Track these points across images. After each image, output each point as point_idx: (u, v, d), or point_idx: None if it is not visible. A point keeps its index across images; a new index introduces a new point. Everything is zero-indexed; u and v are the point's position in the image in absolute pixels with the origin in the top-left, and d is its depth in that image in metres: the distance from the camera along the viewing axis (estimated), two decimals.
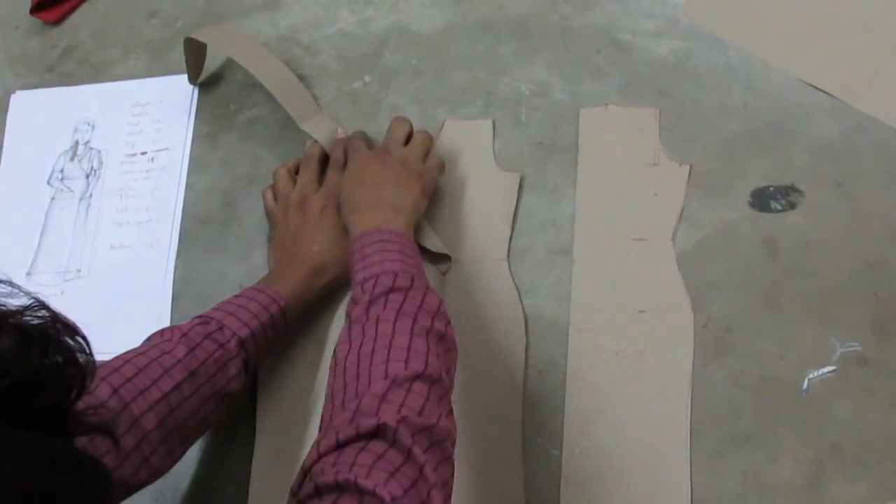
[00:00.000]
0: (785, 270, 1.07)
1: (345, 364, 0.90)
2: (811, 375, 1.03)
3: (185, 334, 0.97)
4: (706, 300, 1.08)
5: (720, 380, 1.04)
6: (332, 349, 1.10)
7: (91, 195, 1.28)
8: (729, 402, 1.03)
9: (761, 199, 1.11)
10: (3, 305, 0.59)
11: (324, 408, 0.90)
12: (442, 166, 1.15)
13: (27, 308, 0.60)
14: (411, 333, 0.90)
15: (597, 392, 1.06)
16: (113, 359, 0.93)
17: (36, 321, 0.59)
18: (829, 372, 1.02)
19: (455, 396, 1.06)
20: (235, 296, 1.05)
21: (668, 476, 1.02)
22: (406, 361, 0.87)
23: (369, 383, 0.86)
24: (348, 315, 0.97)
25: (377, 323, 0.92)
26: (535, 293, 1.12)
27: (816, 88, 1.15)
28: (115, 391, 0.88)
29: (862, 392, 1.01)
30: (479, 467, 1.04)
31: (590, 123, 1.18)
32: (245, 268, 1.19)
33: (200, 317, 1.01)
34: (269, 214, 1.17)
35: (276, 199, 1.17)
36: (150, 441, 0.90)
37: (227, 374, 0.98)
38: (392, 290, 0.94)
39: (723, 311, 1.07)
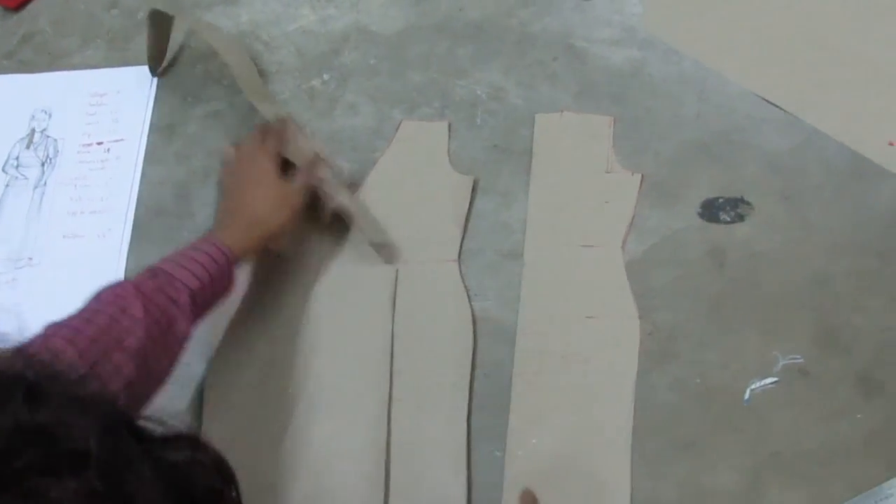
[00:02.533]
0: (731, 281, 1.07)
1: None
2: (753, 386, 1.02)
3: (138, 289, 0.92)
4: (653, 308, 1.07)
5: (663, 387, 1.04)
6: (285, 349, 1.10)
7: (46, 183, 1.26)
8: (671, 410, 1.03)
9: (711, 210, 1.10)
10: (147, 436, 0.56)
11: None
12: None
13: (170, 442, 0.58)
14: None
15: (541, 395, 1.05)
16: (71, 317, 0.88)
17: (180, 457, 0.57)
18: (771, 383, 1.02)
19: (401, 395, 1.05)
20: (184, 248, 1.02)
21: (609, 481, 1.01)
22: None
23: None
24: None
25: None
26: (484, 295, 1.11)
27: (768, 102, 1.15)
28: (80, 354, 0.83)
29: (802, 403, 1.01)
30: (422, 467, 1.03)
31: (545, 129, 1.17)
32: None
33: (150, 269, 0.97)
34: (225, 163, 1.17)
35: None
36: None
37: (179, 327, 0.95)
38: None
39: (669, 319, 1.06)
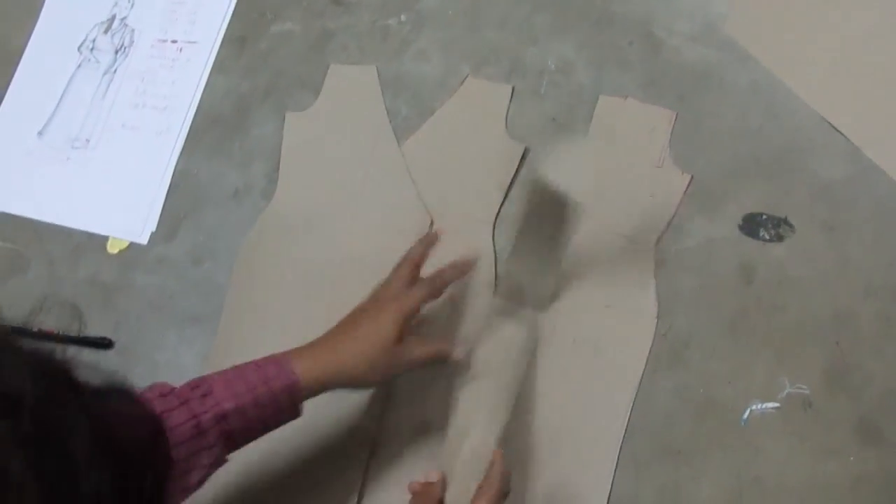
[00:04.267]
0: (756, 299, 1.05)
1: None
2: (754, 407, 1.01)
3: (184, 400, 0.84)
4: (673, 310, 1.06)
5: (666, 390, 1.03)
6: (309, 274, 1.10)
7: (115, 71, 1.28)
8: (668, 414, 1.02)
9: (751, 225, 1.08)
10: (83, 386, 0.58)
11: None
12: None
13: (105, 394, 0.61)
14: None
15: (544, 374, 1.05)
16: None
17: (114, 408, 0.59)
18: (773, 408, 1.01)
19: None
20: (258, 360, 0.91)
21: (592, 471, 1.01)
22: None
23: None
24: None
25: None
26: None
27: (834, 128, 1.11)
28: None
29: (798, 435, 1.00)
30: (415, 427, 1.04)
31: (605, 112, 1.16)
32: (242, 176, 1.19)
33: (198, 379, 0.88)
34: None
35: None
36: None
37: (201, 445, 0.83)
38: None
39: (686, 324, 1.05)
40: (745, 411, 1.01)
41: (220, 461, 0.85)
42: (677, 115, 1.14)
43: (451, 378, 1.06)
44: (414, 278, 0.99)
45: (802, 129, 1.12)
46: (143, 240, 1.18)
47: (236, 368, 0.89)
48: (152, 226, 1.19)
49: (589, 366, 1.05)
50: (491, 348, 1.07)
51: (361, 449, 1.05)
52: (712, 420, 1.02)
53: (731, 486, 0.99)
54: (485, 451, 1.01)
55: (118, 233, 1.19)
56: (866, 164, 1.10)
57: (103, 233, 1.19)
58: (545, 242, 1.07)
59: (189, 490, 0.82)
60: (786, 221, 1.08)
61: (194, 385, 0.86)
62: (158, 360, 1.12)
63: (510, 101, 1.18)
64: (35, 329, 1.14)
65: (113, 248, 1.19)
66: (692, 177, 1.11)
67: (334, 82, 1.21)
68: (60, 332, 1.14)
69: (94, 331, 1.14)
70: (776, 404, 1.01)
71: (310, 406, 0.91)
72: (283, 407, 0.89)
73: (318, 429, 1.06)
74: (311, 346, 0.94)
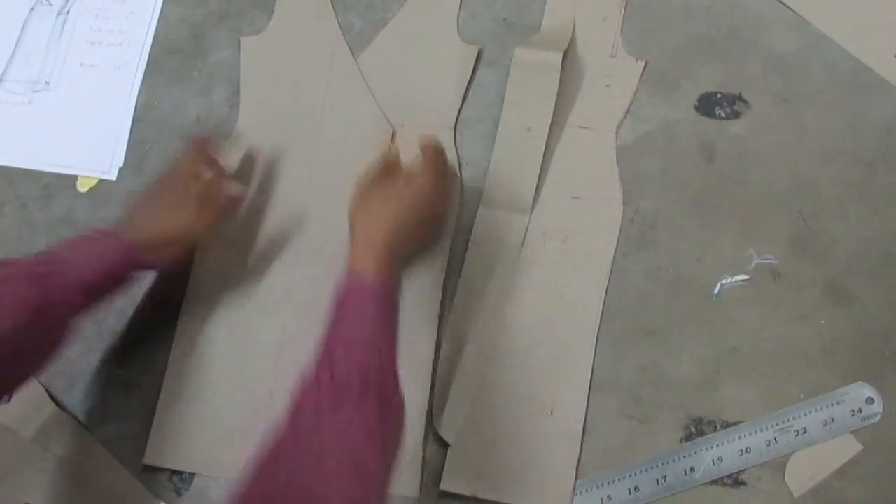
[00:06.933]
0: (718, 176, 1.02)
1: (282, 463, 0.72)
2: (724, 281, 0.98)
3: (30, 270, 0.85)
4: (637, 194, 1.02)
5: (637, 273, 1.00)
6: (274, 189, 1.06)
7: (69, 11, 1.21)
8: (642, 296, 0.99)
9: (707, 105, 1.05)
10: None
11: None
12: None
13: None
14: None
15: (518, 269, 1.01)
16: None
17: None
18: (742, 280, 0.98)
19: None
20: (85, 237, 0.92)
21: (573, 357, 0.98)
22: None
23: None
24: (304, 393, 0.78)
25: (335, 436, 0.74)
26: (475, 165, 1.06)
27: (780, 2, 1.07)
28: None
29: (770, 304, 0.97)
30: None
31: (556, 6, 1.11)
32: (204, 102, 1.13)
33: (44, 254, 0.88)
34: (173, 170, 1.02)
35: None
36: None
37: (63, 317, 0.87)
38: (362, 393, 0.77)
39: (651, 207, 1.02)
40: (716, 286, 0.99)
41: (66, 334, 0.89)
42: (627, 1, 1.09)
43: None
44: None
45: (750, 6, 1.08)
46: (112, 175, 1.13)
47: (78, 244, 0.91)
48: (119, 161, 1.13)
49: (560, 257, 1.01)
50: (481, 256, 1.03)
51: None
52: (685, 297, 0.99)
53: (708, 358, 0.97)
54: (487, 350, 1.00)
55: (87, 171, 1.14)
56: (816, 34, 1.06)
57: (72, 172, 1.14)
58: (524, 135, 1.03)
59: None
60: (740, 98, 1.04)
61: (48, 260, 0.88)
62: (137, 291, 1.08)
63: (460, 4, 1.12)
64: None
65: (83, 187, 1.14)
66: (646, 62, 1.07)
67: (286, 2, 1.16)
68: None
69: None
70: (746, 276, 0.98)
71: None
72: (127, 278, 0.94)
73: None
74: (135, 223, 0.96)
